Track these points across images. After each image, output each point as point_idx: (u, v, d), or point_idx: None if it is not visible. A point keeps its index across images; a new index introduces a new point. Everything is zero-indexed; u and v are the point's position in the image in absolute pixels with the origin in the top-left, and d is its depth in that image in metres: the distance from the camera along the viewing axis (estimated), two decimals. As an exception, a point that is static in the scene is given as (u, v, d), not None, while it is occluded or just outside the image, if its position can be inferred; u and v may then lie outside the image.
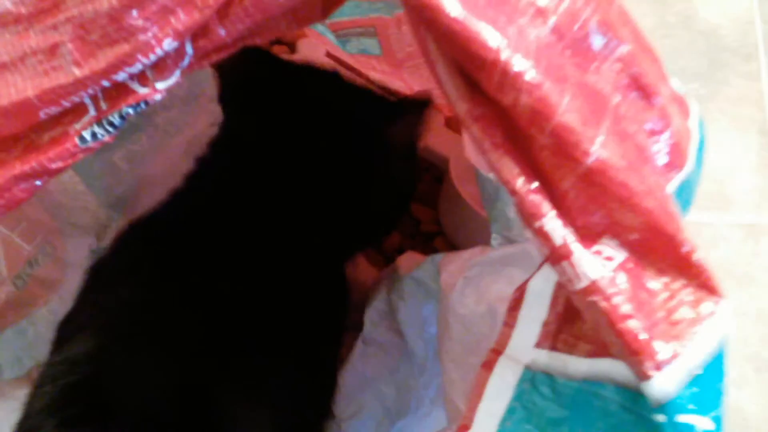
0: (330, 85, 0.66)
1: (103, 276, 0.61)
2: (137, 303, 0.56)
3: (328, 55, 0.79)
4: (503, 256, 0.55)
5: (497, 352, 0.44)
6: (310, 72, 0.67)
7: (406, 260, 0.70)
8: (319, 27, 0.76)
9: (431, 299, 0.64)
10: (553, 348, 0.42)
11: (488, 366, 0.44)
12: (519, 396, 0.42)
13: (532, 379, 0.42)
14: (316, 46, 0.80)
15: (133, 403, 0.51)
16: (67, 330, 0.58)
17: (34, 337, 0.63)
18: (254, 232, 0.61)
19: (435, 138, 0.80)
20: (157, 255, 0.60)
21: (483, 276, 0.56)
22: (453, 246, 0.79)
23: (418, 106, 0.65)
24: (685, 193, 0.42)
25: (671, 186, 0.40)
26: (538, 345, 0.42)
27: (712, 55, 1.01)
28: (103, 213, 0.67)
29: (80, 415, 0.50)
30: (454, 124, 0.81)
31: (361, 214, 0.65)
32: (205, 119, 0.71)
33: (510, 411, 0.42)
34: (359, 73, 0.78)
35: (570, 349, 0.41)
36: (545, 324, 0.42)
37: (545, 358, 0.42)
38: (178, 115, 0.70)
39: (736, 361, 0.84)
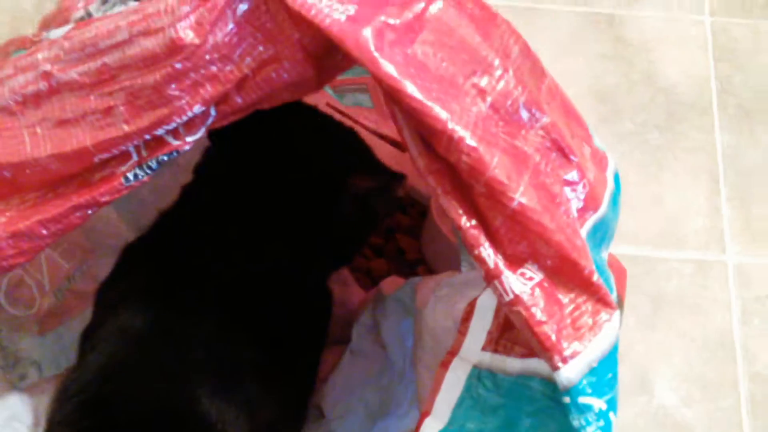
0: (316, 129, 0.73)
1: (106, 294, 0.70)
2: (134, 324, 0.64)
3: (328, 105, 0.90)
4: (467, 279, 0.66)
5: (452, 354, 0.54)
6: (305, 114, 0.74)
7: (389, 283, 0.80)
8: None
9: (409, 316, 0.74)
10: (495, 351, 0.52)
11: (445, 365, 0.54)
12: (468, 388, 0.53)
13: (478, 375, 0.53)
14: (318, 98, 0.91)
15: (132, 414, 0.60)
16: (85, 343, 0.67)
17: (69, 342, 0.73)
18: (235, 247, 0.67)
19: (419, 180, 0.90)
20: (148, 274, 0.67)
21: (450, 295, 0.67)
22: (433, 272, 0.89)
23: (387, 176, 0.72)
24: (601, 230, 0.52)
25: (588, 224, 0.51)
26: (484, 348, 0.53)
27: (670, 109, 1.12)
28: (131, 237, 0.78)
29: (90, 427, 0.60)
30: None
31: (323, 242, 0.71)
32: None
33: (461, 400, 0.52)
34: (354, 121, 0.89)
35: (508, 352, 0.52)
36: (489, 332, 0.53)
37: (489, 358, 0.52)
38: (197, 155, 0.81)
39: (684, 383, 0.95)
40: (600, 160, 0.55)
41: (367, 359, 0.78)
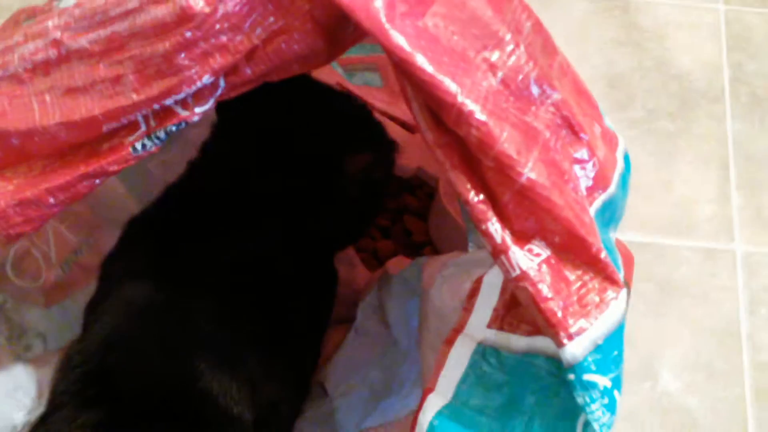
0: (318, 105, 0.72)
1: (110, 267, 0.70)
2: (138, 297, 0.64)
3: (337, 84, 0.90)
4: (473, 258, 0.66)
5: (457, 331, 0.54)
6: (312, 89, 0.73)
7: (395, 263, 0.80)
8: (330, 61, 0.86)
9: (415, 296, 0.74)
10: (501, 328, 0.52)
11: (449, 342, 0.54)
12: (472, 365, 0.52)
13: (483, 352, 0.52)
14: (327, 77, 0.91)
15: (135, 386, 0.60)
16: (90, 315, 0.67)
17: (74, 315, 0.73)
18: (239, 224, 0.67)
19: (427, 160, 0.90)
20: (153, 247, 0.67)
21: (456, 275, 0.66)
22: (439, 254, 0.89)
23: (382, 146, 0.73)
24: (609, 210, 0.52)
25: (596, 203, 0.51)
26: (489, 326, 0.53)
27: (683, 97, 1.11)
28: (138, 211, 0.78)
29: (93, 397, 0.60)
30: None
31: (328, 221, 0.71)
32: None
33: (465, 376, 0.52)
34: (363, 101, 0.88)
35: (513, 329, 0.52)
36: (495, 309, 0.53)
37: (494, 336, 0.52)
38: (205, 131, 0.81)
39: (689, 370, 0.94)
40: (610, 139, 0.54)
41: (371, 339, 0.78)
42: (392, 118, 0.90)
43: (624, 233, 0.57)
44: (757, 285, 1.00)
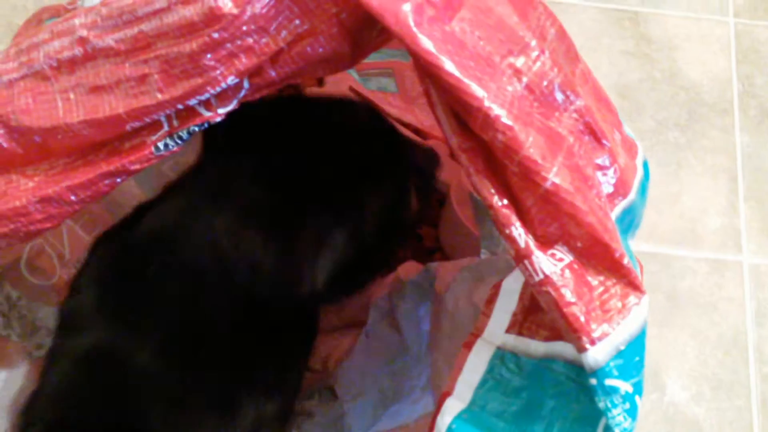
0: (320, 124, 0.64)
1: (77, 283, 0.65)
2: (87, 343, 0.60)
3: (351, 89, 0.91)
4: (487, 264, 0.66)
5: (476, 335, 0.54)
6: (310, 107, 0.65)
7: (407, 268, 0.80)
8: (344, 65, 0.87)
9: (426, 301, 0.75)
10: (520, 333, 0.52)
11: (468, 346, 0.54)
12: (491, 370, 0.53)
13: (501, 357, 0.53)
14: (341, 81, 0.91)
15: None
16: (47, 361, 0.63)
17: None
18: (200, 267, 0.60)
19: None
20: (111, 277, 0.62)
21: (470, 280, 0.67)
22: (449, 260, 0.89)
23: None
24: (629, 216, 0.52)
25: (617, 210, 0.51)
26: (508, 330, 0.53)
27: (692, 109, 1.12)
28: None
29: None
30: (456, 156, 0.91)
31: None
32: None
33: (483, 381, 0.53)
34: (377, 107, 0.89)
35: (532, 335, 0.52)
36: (514, 314, 0.53)
37: (513, 341, 0.52)
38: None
39: (695, 381, 0.95)
40: (630, 147, 0.55)
41: (382, 343, 0.78)
42: (405, 125, 0.91)
43: (632, 243, 0.57)
44: (764, 296, 1.00)
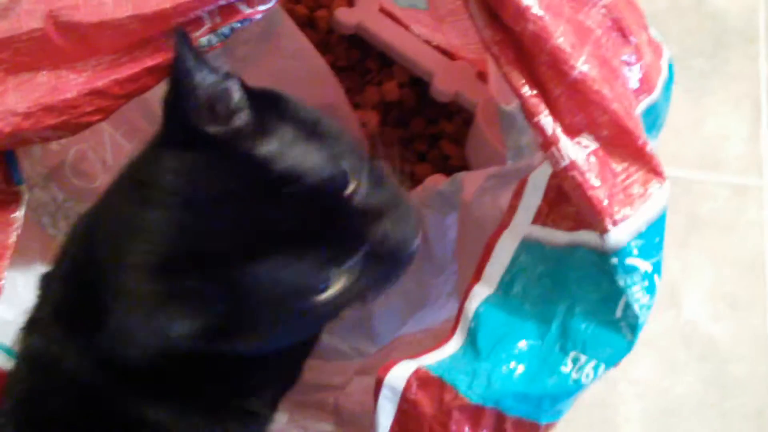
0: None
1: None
2: None
3: (381, 9, 0.92)
4: (513, 170, 0.68)
5: (503, 227, 0.57)
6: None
7: (434, 179, 0.83)
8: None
9: (453, 210, 0.77)
10: (545, 224, 0.55)
11: (495, 236, 0.57)
12: (516, 257, 0.55)
13: (527, 246, 0.55)
14: (372, 2, 0.93)
15: None
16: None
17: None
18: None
19: (467, 86, 0.92)
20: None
21: (497, 186, 0.69)
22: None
23: None
24: (652, 115, 0.54)
25: (641, 105, 0.53)
26: (534, 222, 0.55)
27: (717, 36, 1.12)
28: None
29: None
30: (483, 77, 0.93)
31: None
32: (278, 54, 0.84)
33: (509, 269, 0.55)
34: (406, 27, 0.90)
35: (557, 225, 0.54)
36: (539, 207, 0.55)
37: (538, 231, 0.55)
38: (254, 48, 0.83)
39: (713, 299, 0.97)
40: (656, 47, 0.56)
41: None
42: (433, 46, 0.92)
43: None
44: (783, 220, 1.02)
